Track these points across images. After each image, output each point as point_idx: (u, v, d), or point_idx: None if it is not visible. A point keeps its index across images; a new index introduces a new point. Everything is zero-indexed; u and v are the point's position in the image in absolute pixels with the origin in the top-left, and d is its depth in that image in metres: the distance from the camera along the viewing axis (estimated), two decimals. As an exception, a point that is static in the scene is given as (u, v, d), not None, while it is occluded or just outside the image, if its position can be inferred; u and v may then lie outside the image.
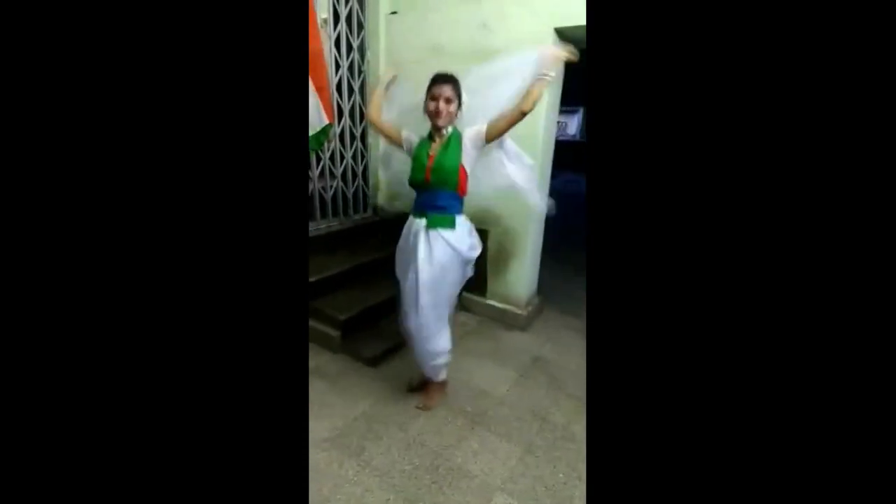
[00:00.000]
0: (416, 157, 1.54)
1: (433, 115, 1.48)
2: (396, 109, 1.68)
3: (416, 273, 1.52)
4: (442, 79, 1.47)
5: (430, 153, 1.50)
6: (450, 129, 1.52)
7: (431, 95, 1.47)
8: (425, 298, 1.54)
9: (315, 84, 2.08)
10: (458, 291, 1.67)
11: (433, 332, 1.62)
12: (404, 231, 1.62)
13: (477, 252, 1.60)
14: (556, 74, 1.41)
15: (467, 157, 1.50)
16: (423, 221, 1.52)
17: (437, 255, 1.51)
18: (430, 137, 1.54)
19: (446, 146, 1.49)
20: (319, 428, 1.62)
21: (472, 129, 1.50)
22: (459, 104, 1.50)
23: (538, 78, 1.36)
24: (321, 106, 2.13)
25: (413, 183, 1.56)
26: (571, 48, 1.40)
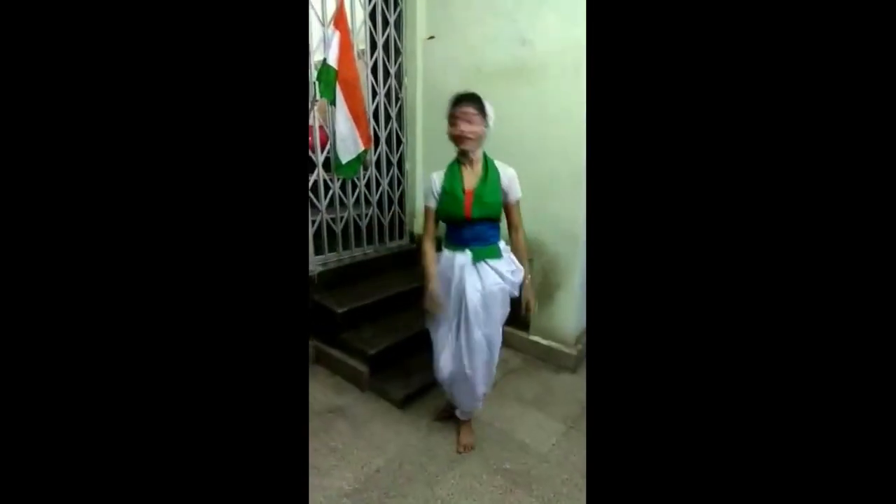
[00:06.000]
0: (450, 190, 1.37)
1: (456, 139, 1.34)
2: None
3: (466, 309, 1.41)
4: (463, 98, 1.33)
5: (466, 188, 1.36)
6: (480, 154, 1.38)
7: (452, 118, 1.33)
8: (478, 335, 1.42)
9: (351, 112, 2.05)
10: (501, 329, 1.54)
11: (484, 371, 1.50)
12: (442, 268, 1.45)
13: (520, 277, 1.46)
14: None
15: (503, 198, 1.39)
16: (466, 255, 1.39)
17: (489, 287, 1.40)
18: (459, 163, 1.39)
19: (485, 179, 1.36)
20: (339, 480, 1.45)
21: (508, 176, 1.39)
22: (487, 124, 1.34)
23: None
24: (357, 133, 2.09)
25: (448, 219, 1.40)
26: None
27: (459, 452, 1.59)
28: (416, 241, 2.73)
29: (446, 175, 1.39)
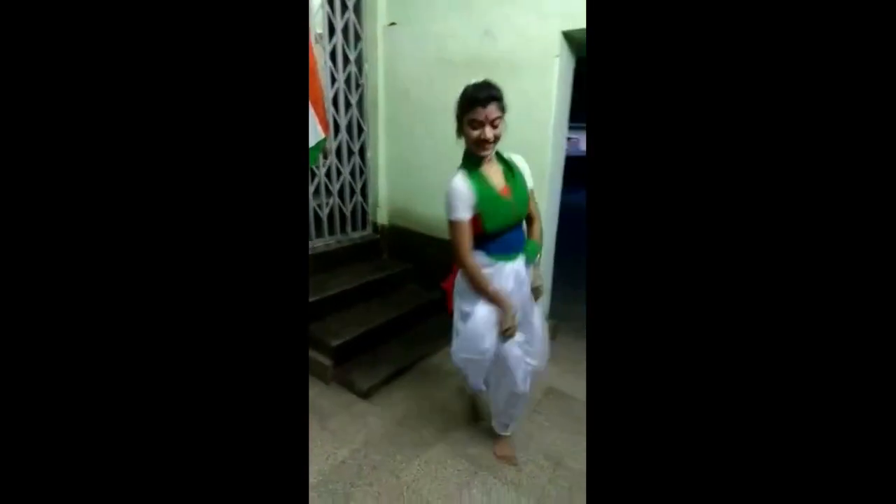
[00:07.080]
0: (489, 197, 1.19)
1: (479, 144, 1.16)
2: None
3: (535, 316, 1.38)
4: (483, 96, 1.11)
5: (501, 191, 1.22)
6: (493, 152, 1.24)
7: (474, 120, 1.13)
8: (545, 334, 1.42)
9: (310, 98, 1.99)
10: None
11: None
12: (500, 284, 1.26)
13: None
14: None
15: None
16: (521, 261, 1.30)
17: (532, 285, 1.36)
18: (475, 168, 1.20)
19: (511, 175, 1.25)
20: (302, 472, 1.43)
21: (522, 165, 1.30)
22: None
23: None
24: (316, 120, 2.03)
25: (500, 228, 1.23)
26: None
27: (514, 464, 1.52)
28: (380, 231, 2.69)
29: (472, 182, 1.18)
